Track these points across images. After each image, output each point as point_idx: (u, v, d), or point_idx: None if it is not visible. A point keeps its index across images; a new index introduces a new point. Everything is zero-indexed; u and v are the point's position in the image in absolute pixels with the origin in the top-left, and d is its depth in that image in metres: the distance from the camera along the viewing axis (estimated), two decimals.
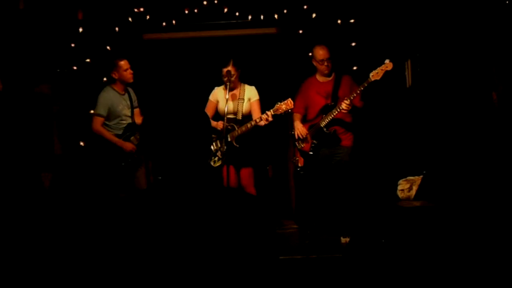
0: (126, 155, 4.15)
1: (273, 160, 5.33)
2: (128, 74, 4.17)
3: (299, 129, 4.11)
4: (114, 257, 1.23)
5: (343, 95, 4.02)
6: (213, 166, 4.03)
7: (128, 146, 4.15)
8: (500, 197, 3.84)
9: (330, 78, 4.16)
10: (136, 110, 4.36)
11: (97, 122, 4.14)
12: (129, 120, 4.25)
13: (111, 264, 1.23)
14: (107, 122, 4.18)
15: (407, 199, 4.50)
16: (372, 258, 3.47)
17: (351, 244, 3.89)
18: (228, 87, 3.97)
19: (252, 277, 1.18)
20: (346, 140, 4.10)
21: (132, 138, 4.21)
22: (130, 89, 4.33)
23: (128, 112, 4.25)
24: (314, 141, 4.06)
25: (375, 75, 3.81)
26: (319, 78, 4.19)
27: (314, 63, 4.15)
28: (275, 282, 1.22)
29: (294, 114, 4.20)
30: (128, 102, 4.25)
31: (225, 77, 4.03)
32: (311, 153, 4.06)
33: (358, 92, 3.87)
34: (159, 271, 1.19)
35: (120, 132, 4.20)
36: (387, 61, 3.82)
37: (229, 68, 4.05)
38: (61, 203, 4.50)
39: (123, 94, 4.25)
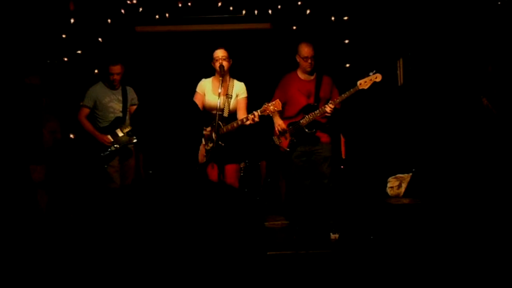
0: (104, 147, 4.24)
1: (266, 156, 5.32)
2: (110, 78, 4.27)
3: (280, 124, 4.08)
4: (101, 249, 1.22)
5: (324, 96, 4.05)
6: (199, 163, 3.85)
7: (103, 138, 4.24)
8: (487, 195, 3.89)
9: (312, 77, 4.12)
10: (133, 108, 4.44)
11: (81, 113, 4.30)
12: (119, 114, 4.32)
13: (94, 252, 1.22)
14: (96, 114, 4.30)
15: (396, 196, 4.54)
16: (361, 254, 3.49)
17: (340, 240, 3.92)
18: (222, 77, 3.74)
19: (240, 272, 1.18)
20: (324, 137, 4.10)
21: (117, 130, 4.29)
22: (129, 88, 4.44)
23: (117, 106, 4.34)
24: (293, 139, 4.07)
25: (363, 83, 3.82)
26: (301, 75, 4.15)
27: (298, 59, 4.11)
28: (263, 278, 1.22)
29: None
30: (120, 98, 4.35)
31: (219, 62, 3.77)
32: (288, 149, 4.07)
33: (344, 97, 3.88)
34: (146, 267, 1.18)
35: (107, 124, 4.30)
36: (377, 73, 3.83)
37: (224, 53, 3.83)
38: (53, 196, 4.48)
39: (115, 90, 4.35)
